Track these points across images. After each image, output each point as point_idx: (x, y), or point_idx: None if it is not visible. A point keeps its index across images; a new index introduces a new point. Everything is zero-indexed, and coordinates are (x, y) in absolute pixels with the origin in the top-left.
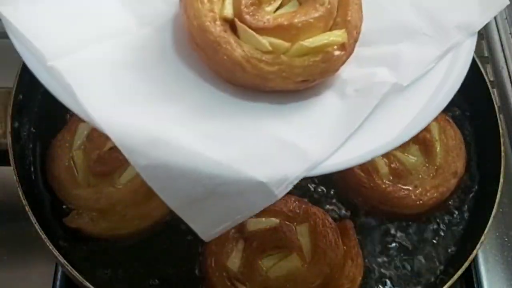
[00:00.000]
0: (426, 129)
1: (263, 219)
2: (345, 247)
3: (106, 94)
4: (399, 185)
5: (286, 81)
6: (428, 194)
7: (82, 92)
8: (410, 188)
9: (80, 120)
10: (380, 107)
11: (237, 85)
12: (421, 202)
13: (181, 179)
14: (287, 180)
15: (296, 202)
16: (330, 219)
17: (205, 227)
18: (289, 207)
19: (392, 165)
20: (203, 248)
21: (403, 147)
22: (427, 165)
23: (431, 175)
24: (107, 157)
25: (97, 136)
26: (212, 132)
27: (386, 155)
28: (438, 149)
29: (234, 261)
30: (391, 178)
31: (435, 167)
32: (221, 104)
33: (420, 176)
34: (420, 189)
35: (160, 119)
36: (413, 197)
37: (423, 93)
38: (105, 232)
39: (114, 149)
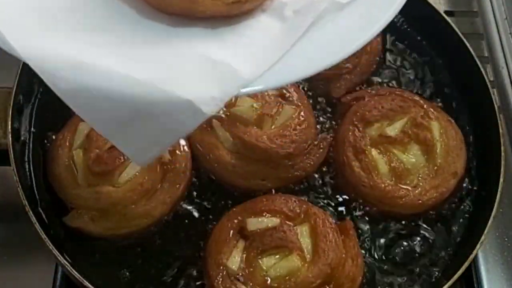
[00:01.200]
0: (428, 129)
1: (264, 219)
2: (345, 247)
3: (28, 23)
4: (399, 185)
5: (216, 3)
6: (427, 194)
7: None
8: (410, 188)
9: (81, 119)
10: (318, 26)
11: (169, 13)
12: (420, 202)
13: (105, 102)
14: (217, 98)
15: (297, 202)
16: (330, 219)
17: (137, 152)
18: (290, 207)
19: (392, 164)
20: (203, 248)
21: (404, 146)
22: (427, 165)
23: (431, 175)
24: (106, 156)
25: (97, 135)
26: (138, 55)
27: (386, 154)
28: (438, 149)
29: (234, 260)
30: (391, 177)
31: (435, 168)
32: (150, 31)
33: (420, 176)
34: (419, 189)
35: (83, 46)
36: (412, 197)
37: (363, 11)
38: (105, 231)
39: (114, 148)
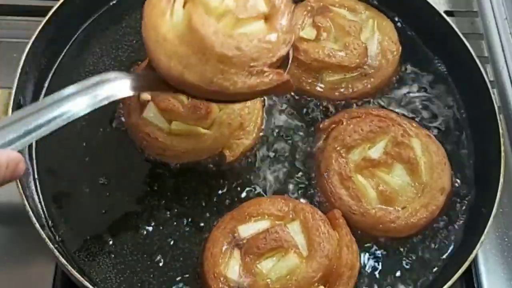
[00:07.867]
0: (409, 147)
1: (254, 223)
2: (338, 236)
3: None
4: (388, 208)
5: None
6: (418, 214)
7: None
8: (400, 210)
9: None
10: None
11: None
12: (412, 221)
13: None
14: None
15: (283, 201)
16: (319, 212)
17: None
18: (277, 207)
19: (380, 188)
20: (201, 263)
21: (388, 168)
22: (413, 184)
23: (419, 194)
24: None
25: (168, 106)
26: None
27: (372, 178)
28: (423, 166)
29: (234, 270)
30: (379, 202)
31: (422, 186)
32: None
33: (408, 196)
34: (410, 210)
35: None
36: (403, 218)
37: None
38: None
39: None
